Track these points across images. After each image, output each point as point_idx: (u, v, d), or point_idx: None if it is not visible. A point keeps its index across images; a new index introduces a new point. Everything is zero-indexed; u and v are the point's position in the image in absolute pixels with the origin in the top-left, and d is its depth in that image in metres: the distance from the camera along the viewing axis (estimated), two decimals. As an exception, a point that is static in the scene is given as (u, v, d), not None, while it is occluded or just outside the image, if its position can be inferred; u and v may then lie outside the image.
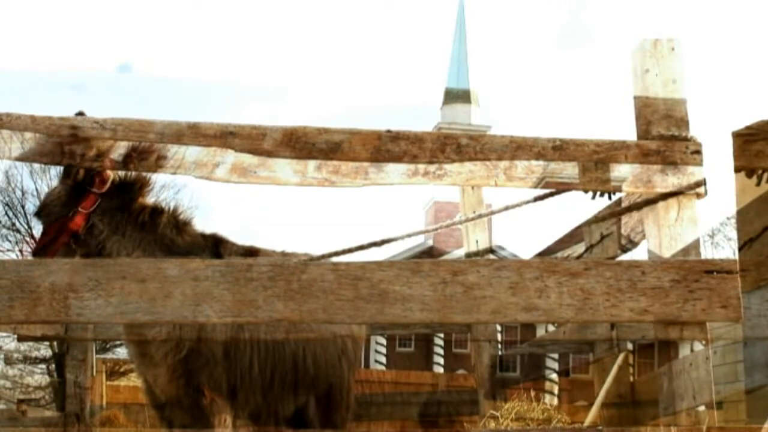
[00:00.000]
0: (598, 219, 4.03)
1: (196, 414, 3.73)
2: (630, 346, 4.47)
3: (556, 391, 16.84)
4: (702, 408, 3.03)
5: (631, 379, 4.43)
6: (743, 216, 3.67)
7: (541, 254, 5.78)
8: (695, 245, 3.25)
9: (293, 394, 4.26)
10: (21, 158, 3.09)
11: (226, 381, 3.85)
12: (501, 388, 6.79)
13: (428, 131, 3.42)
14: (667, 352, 3.13)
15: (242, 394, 3.93)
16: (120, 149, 3.12)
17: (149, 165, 3.09)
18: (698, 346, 3.15)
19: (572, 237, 4.93)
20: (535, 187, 3.28)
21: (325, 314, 2.77)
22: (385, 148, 3.20)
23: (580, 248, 4.78)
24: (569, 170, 3.26)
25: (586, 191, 3.32)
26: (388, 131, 3.23)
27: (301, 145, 3.16)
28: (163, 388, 3.79)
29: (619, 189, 3.31)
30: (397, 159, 3.20)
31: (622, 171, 3.29)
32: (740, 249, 3.67)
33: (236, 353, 3.88)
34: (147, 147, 3.07)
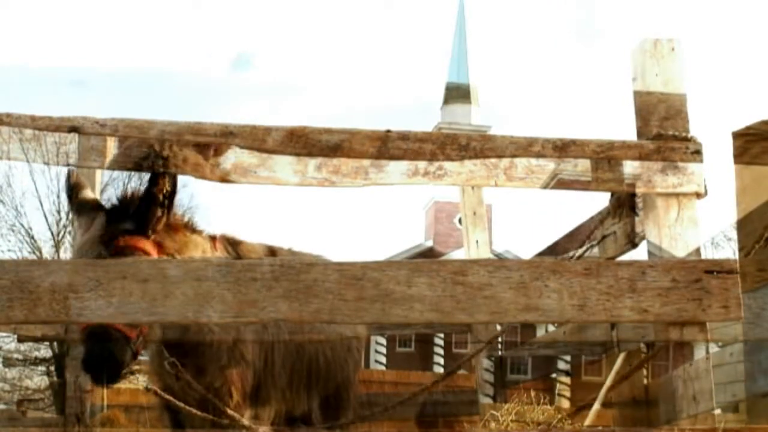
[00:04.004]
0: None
1: (218, 416, 3.65)
2: (643, 347, 4.44)
3: (566, 393, 16.77)
4: (718, 411, 3.02)
5: (645, 381, 4.39)
6: (760, 213, 3.65)
7: (541, 254, 5.78)
8: (695, 245, 3.25)
9: (307, 394, 4.26)
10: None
11: (252, 383, 3.82)
12: (502, 389, 6.79)
13: (428, 131, 3.42)
14: (681, 353, 3.12)
15: (264, 395, 3.91)
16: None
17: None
18: (713, 348, 3.15)
19: (572, 237, 4.93)
20: (546, 186, 3.28)
21: (328, 315, 2.77)
22: (386, 148, 3.20)
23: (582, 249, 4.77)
24: (580, 168, 3.26)
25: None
26: (388, 131, 3.23)
27: (302, 144, 3.16)
28: (193, 392, 3.66)
29: (632, 188, 3.30)
30: (398, 159, 3.20)
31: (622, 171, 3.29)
32: (753, 246, 3.64)
33: (261, 354, 3.87)
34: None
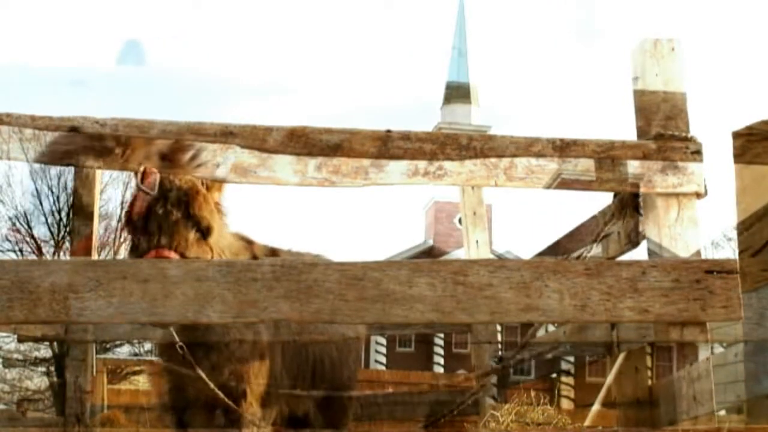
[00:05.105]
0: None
1: (228, 417, 3.64)
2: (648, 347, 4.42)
3: (569, 393, 16.74)
4: (722, 412, 3.01)
5: (649, 382, 4.37)
6: (763, 213, 3.62)
7: (542, 254, 5.78)
8: (695, 245, 3.25)
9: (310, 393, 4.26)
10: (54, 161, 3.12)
11: (264, 384, 3.81)
12: (503, 389, 6.78)
13: (429, 131, 3.42)
14: (684, 354, 3.12)
15: (270, 396, 3.90)
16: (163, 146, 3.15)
17: (183, 162, 3.13)
18: (718, 349, 3.15)
19: (573, 236, 4.92)
20: (549, 186, 3.28)
21: (329, 315, 2.76)
22: (386, 148, 3.20)
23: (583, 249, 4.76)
24: (580, 168, 3.26)
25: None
26: (389, 131, 3.23)
27: (302, 144, 3.16)
28: (208, 391, 3.60)
29: (633, 188, 3.30)
30: (398, 159, 3.20)
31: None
32: (764, 247, 3.61)
33: (270, 355, 3.87)
34: (183, 145, 3.10)
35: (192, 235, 3.34)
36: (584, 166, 3.28)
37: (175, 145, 3.16)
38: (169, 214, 3.31)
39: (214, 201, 3.54)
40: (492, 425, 5.76)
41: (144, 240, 3.27)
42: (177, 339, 3.46)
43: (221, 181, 3.34)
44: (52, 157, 3.13)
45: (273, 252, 4.12)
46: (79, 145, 3.11)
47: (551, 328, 6.24)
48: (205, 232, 3.39)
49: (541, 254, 5.76)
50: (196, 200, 3.38)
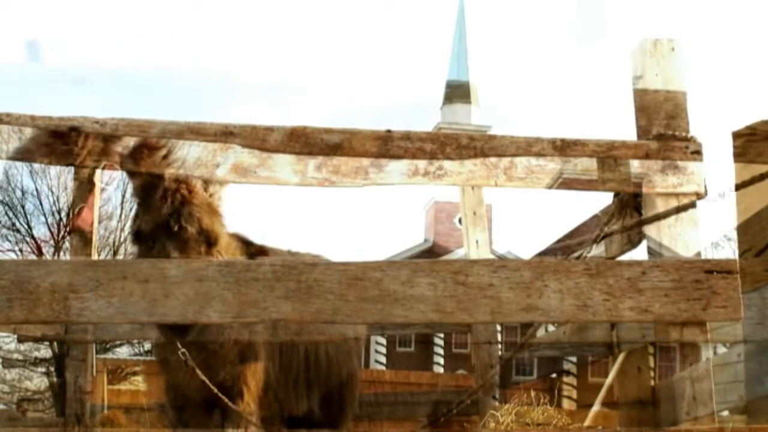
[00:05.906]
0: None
1: (226, 416, 3.64)
2: (651, 348, 4.40)
3: (570, 394, 16.73)
4: (725, 412, 3.00)
5: (652, 382, 4.37)
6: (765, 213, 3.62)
7: (543, 253, 5.78)
8: (695, 245, 3.25)
9: (307, 393, 4.26)
10: (16, 157, 3.12)
11: (262, 384, 3.82)
12: (503, 389, 6.78)
13: (429, 131, 3.42)
14: (687, 354, 3.11)
15: (268, 395, 3.90)
16: (127, 143, 3.13)
17: (156, 162, 3.12)
18: (721, 349, 3.14)
19: (574, 236, 4.92)
20: (550, 186, 3.28)
21: (330, 315, 2.76)
22: (386, 147, 3.20)
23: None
24: (580, 168, 3.26)
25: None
26: (389, 131, 3.23)
27: (303, 144, 3.16)
28: (205, 391, 3.61)
29: (633, 188, 3.30)
30: (398, 159, 3.21)
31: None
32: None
33: (268, 354, 3.87)
34: (155, 144, 3.09)
35: (203, 248, 3.37)
36: (585, 166, 3.28)
37: (145, 143, 3.15)
38: (183, 231, 3.33)
39: (213, 203, 3.53)
40: (492, 425, 5.76)
41: (156, 255, 3.27)
42: (176, 342, 3.46)
43: (220, 182, 3.33)
44: (15, 154, 3.14)
45: (271, 252, 4.11)
46: (33, 142, 3.11)
47: (551, 328, 6.23)
48: (213, 243, 3.42)
49: (541, 254, 5.76)
50: (207, 213, 3.40)
